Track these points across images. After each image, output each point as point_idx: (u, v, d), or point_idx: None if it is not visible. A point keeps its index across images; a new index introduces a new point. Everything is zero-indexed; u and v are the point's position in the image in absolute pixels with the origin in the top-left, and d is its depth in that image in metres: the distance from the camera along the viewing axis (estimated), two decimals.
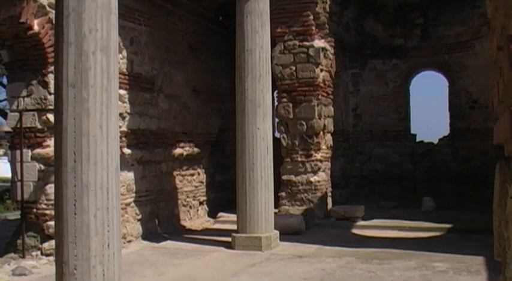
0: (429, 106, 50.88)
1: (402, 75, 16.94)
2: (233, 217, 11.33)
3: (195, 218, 13.55)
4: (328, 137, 13.28)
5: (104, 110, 5.65)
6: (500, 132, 1.58)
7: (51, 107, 8.43)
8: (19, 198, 9.62)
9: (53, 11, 7.05)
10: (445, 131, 16.77)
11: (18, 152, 9.60)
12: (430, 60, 16.76)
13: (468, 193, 14.68)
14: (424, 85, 35.60)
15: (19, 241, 9.49)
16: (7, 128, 10.34)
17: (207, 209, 14.22)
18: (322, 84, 12.78)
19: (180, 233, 11.97)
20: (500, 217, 1.68)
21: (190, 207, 13.41)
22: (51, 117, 8.92)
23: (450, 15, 16.24)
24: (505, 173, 1.58)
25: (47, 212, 9.27)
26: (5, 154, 27.76)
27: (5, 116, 20.36)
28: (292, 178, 12.84)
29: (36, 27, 9.01)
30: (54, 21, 6.31)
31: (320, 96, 12.68)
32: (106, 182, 5.68)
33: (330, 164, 13.49)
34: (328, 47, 13.00)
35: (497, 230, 1.89)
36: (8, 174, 12.27)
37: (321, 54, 12.61)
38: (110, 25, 5.81)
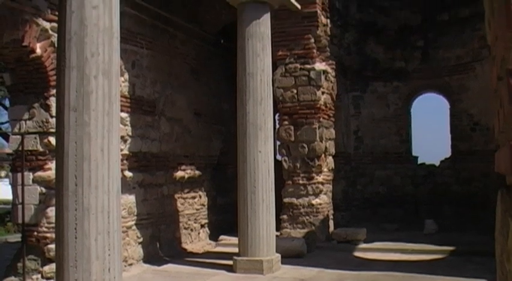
0: (430, 128, 50.91)
1: (403, 97, 16.99)
2: (235, 240, 11.29)
3: (197, 241, 13.50)
4: (330, 159, 13.26)
5: (105, 134, 5.66)
6: (501, 163, 1.58)
7: (53, 130, 8.43)
8: (20, 221, 9.59)
9: (56, 35, 7.08)
10: (447, 153, 16.78)
11: (19, 175, 9.58)
12: (431, 83, 16.82)
13: (470, 214, 14.66)
14: (425, 107, 35.73)
15: (19, 264, 9.44)
16: (9, 150, 10.33)
17: (208, 232, 14.17)
18: (323, 107, 12.79)
19: (182, 256, 11.92)
20: (502, 246, 1.68)
21: (192, 230, 13.37)
22: (52, 140, 8.92)
23: (450, 38, 16.32)
24: (506, 202, 1.58)
25: (48, 235, 9.23)
26: (6, 176, 27.74)
27: (7, 138, 20.38)
28: (294, 200, 12.81)
29: (38, 51, 9.04)
30: (56, 45, 6.34)
31: (321, 119, 12.69)
32: (107, 206, 5.67)
33: (331, 186, 13.46)
34: (329, 69, 13.04)
35: (499, 259, 1.88)
36: (9, 196, 12.23)
37: (322, 77, 12.64)
38: (111, 49, 5.84)
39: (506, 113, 1.46)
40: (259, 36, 9.99)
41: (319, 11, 12.60)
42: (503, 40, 1.53)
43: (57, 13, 6.29)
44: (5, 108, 22.82)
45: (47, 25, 9.10)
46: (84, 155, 5.58)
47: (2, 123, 26.12)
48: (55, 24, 7.50)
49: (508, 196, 1.57)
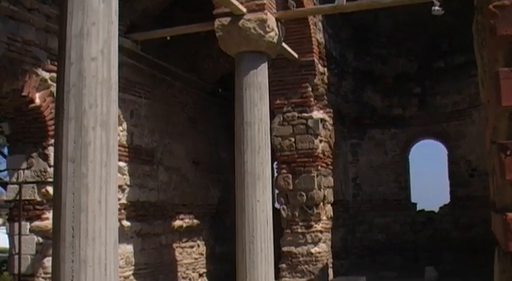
0: (429, 174, 50.83)
1: (401, 144, 17.04)
2: None
3: None
4: (328, 207, 13.22)
5: (103, 185, 5.64)
6: (496, 228, 1.58)
7: (51, 180, 8.42)
8: (16, 271, 9.51)
9: (55, 85, 7.14)
10: (446, 199, 16.75)
11: (16, 224, 9.54)
12: (429, 129, 16.90)
13: (470, 261, 14.54)
14: (423, 154, 35.69)
15: None
16: (6, 198, 10.30)
17: None
18: (321, 155, 12.80)
19: None
20: None
21: (190, 279, 13.24)
22: (50, 189, 8.90)
23: (447, 85, 16.47)
24: (504, 263, 1.57)
25: None
26: (4, 224, 27.55)
27: (4, 186, 20.32)
28: (293, 249, 12.71)
29: (37, 101, 9.09)
30: (55, 95, 6.37)
31: (319, 167, 12.68)
32: (104, 258, 5.62)
33: (330, 234, 13.38)
34: (327, 118, 13.10)
35: None
36: (5, 244, 12.14)
37: (320, 126, 12.68)
38: (110, 100, 5.86)
39: (499, 184, 1.47)
40: (256, 86, 10.05)
41: (316, 60, 12.71)
42: (494, 113, 1.55)
43: (56, 63, 6.34)
44: (4, 156, 22.80)
45: (46, 75, 9.17)
46: (82, 206, 5.55)
47: (1, 171, 26.09)
48: (54, 74, 7.57)
49: (504, 257, 1.56)
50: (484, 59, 1.81)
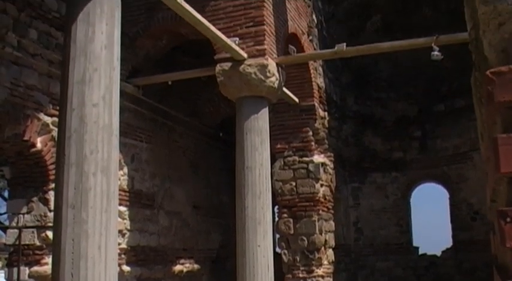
0: (431, 218, 50.62)
1: (402, 188, 17.01)
2: None
3: None
4: (330, 252, 13.12)
5: (102, 232, 5.62)
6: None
7: (51, 224, 8.38)
8: None
9: (56, 129, 7.16)
10: (448, 243, 16.65)
11: (15, 269, 9.46)
12: (430, 173, 16.89)
13: None
14: (424, 197, 35.62)
15: None
16: (6, 242, 10.24)
17: None
18: (322, 200, 12.76)
19: None
20: None
21: None
22: (50, 234, 8.85)
23: (447, 128, 16.52)
24: None
25: None
26: (2, 268, 27.34)
27: (4, 230, 20.24)
28: None
29: (39, 145, 9.11)
30: (56, 139, 6.39)
31: (321, 212, 12.63)
32: None
33: (332, 279, 13.24)
34: (327, 162, 13.10)
35: None
36: None
37: (321, 170, 12.67)
38: (111, 146, 5.88)
39: (499, 244, 1.47)
40: (257, 131, 10.07)
41: (317, 104, 12.77)
42: (492, 177, 1.56)
43: (58, 108, 6.37)
44: (5, 199, 22.76)
45: (48, 120, 9.21)
46: (81, 252, 5.52)
47: (1, 214, 26.01)
48: (56, 119, 7.60)
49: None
50: (482, 115, 1.83)
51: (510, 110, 1.60)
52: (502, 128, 1.61)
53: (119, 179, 6.36)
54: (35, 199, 9.44)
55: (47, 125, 9.22)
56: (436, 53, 9.77)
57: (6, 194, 19.41)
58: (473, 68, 1.90)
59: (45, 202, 9.37)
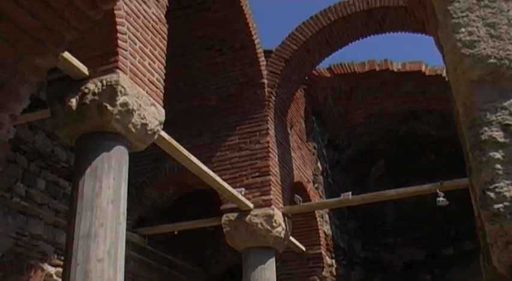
0: None
1: None
2: None
3: None
4: None
5: None
6: None
7: None
8: None
9: (60, 280, 7.09)
10: None
11: None
12: None
13: None
14: None
15: None
16: None
17: None
18: None
19: None
20: None
21: None
22: None
23: (457, 272, 16.23)
24: None
25: None
26: None
27: None
28: None
29: None
30: None
31: None
32: None
33: None
34: None
35: None
36: None
37: None
38: None
39: None
40: None
41: (323, 252, 12.65)
42: None
43: (63, 258, 6.31)
44: None
45: (52, 270, 9.12)
46: None
47: None
48: (60, 269, 7.52)
49: None
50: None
51: None
52: None
53: None
54: None
55: (51, 275, 9.13)
56: (441, 199, 9.79)
57: None
58: (481, 253, 1.90)
59: None
